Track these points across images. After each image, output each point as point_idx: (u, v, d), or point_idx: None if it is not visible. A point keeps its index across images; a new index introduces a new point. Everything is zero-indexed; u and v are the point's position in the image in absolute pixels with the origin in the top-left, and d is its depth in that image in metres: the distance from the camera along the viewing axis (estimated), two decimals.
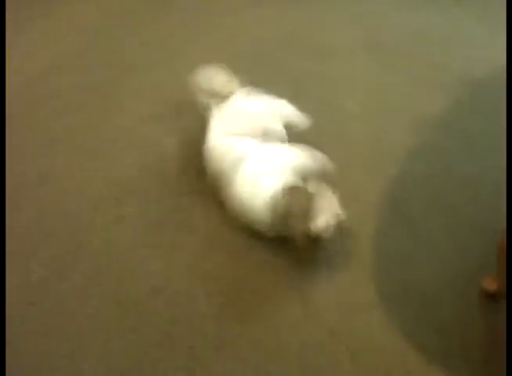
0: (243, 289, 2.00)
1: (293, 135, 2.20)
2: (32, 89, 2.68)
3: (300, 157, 2.01)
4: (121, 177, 2.35)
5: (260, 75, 2.57)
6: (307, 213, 1.85)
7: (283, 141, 2.13)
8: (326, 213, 1.86)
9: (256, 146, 2.05)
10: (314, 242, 1.92)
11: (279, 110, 2.21)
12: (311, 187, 1.91)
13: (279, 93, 2.29)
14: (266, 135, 2.12)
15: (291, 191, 1.89)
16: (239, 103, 2.20)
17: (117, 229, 2.16)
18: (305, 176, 1.97)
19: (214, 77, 2.25)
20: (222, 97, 2.19)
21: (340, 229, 1.89)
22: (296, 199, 1.87)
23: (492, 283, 1.94)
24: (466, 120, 2.59)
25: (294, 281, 2.02)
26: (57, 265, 2.06)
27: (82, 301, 1.96)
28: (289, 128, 2.17)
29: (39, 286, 2.00)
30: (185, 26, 3.14)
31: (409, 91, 2.72)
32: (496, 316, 1.94)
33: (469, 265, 2.06)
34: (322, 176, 1.93)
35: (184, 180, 2.34)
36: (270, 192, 1.93)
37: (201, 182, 2.22)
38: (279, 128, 2.15)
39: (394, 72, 2.82)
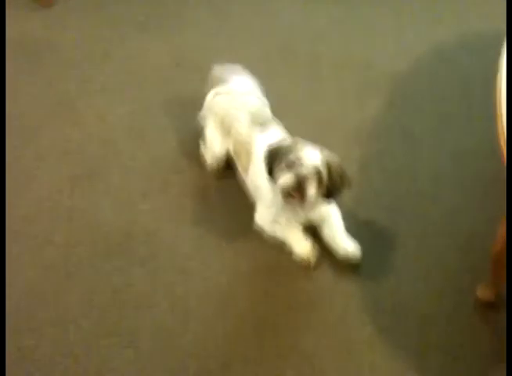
0: None
1: None
2: None
3: None
4: None
5: None
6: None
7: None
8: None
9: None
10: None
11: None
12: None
13: None
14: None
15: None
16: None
17: None
18: None
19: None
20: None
21: None
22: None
23: (486, 292, 1.85)
24: (404, 118, 2.50)
25: None
26: None
27: None
28: None
29: None
30: None
31: (341, 97, 2.59)
32: (498, 324, 1.85)
33: (457, 276, 1.96)
34: None
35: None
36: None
37: None
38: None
39: (321, 80, 2.67)
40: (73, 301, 1.90)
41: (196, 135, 2.34)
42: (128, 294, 1.92)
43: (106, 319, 1.85)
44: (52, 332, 1.82)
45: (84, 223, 2.14)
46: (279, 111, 2.30)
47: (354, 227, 2.04)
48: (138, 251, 2.04)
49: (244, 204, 2.13)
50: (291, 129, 2.21)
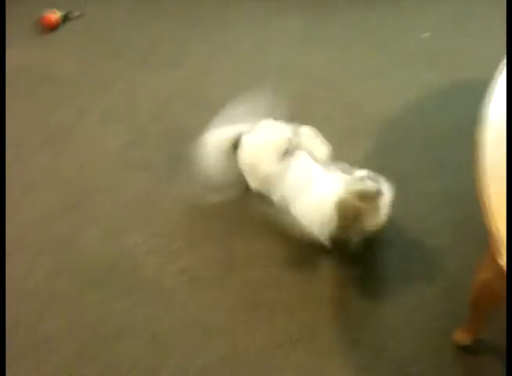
0: None
1: None
2: None
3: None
4: None
5: None
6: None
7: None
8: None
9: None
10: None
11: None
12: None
13: None
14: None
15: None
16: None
17: None
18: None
19: None
20: None
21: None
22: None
23: (462, 336, 1.85)
24: (394, 160, 2.54)
25: None
26: None
27: None
28: None
29: None
30: None
31: (332, 136, 2.61)
32: (475, 368, 1.85)
33: (439, 318, 1.97)
34: None
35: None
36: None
37: None
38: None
39: (313, 119, 2.69)
40: (53, 330, 1.92)
41: (188, 167, 2.38)
42: (108, 326, 1.93)
43: (84, 351, 1.86)
44: (31, 355, 1.83)
45: (71, 251, 2.16)
46: None
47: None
48: (123, 283, 2.06)
49: (233, 237, 2.16)
50: None
